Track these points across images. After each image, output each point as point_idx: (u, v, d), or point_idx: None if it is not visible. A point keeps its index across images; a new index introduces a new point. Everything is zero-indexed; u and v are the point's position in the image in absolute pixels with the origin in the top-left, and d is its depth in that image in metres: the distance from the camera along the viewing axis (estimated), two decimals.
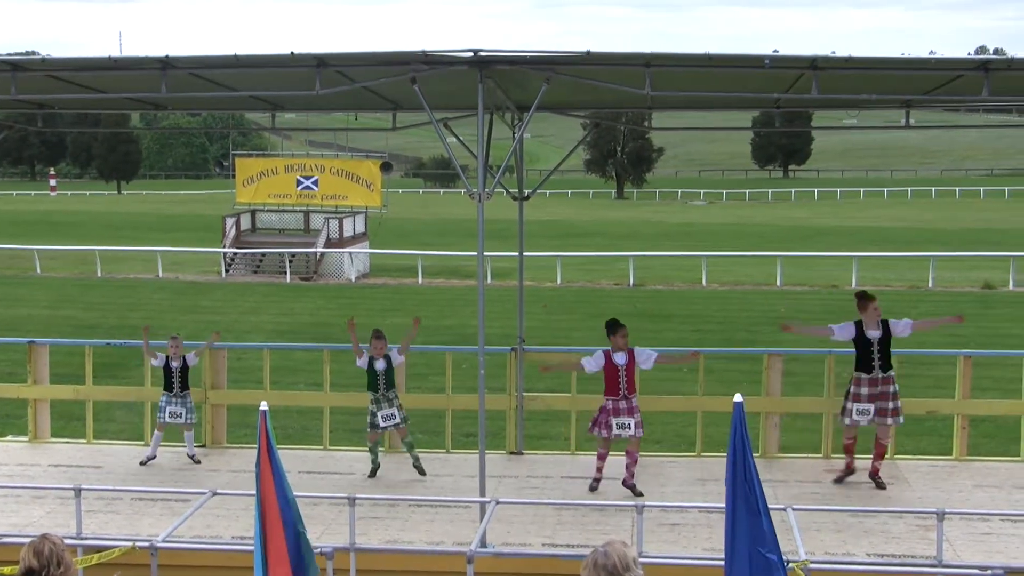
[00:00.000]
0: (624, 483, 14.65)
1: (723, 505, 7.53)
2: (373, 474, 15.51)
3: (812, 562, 10.72)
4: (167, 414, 16.12)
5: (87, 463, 16.12)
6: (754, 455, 7.56)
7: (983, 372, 18.57)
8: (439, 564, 12.33)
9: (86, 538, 12.15)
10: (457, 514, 13.69)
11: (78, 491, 12.29)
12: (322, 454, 16.65)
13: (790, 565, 9.27)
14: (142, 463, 16.00)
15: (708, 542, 12.66)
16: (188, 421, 16.22)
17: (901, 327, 14.81)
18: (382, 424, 15.44)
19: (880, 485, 14.77)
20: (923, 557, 12.07)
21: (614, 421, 14.52)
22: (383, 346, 15.54)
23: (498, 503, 12.44)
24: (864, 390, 14.65)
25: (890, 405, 14.65)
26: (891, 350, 14.80)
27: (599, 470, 14.76)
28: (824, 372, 16.17)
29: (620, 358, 14.63)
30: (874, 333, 14.69)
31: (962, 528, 13.01)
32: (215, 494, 12.48)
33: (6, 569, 9.93)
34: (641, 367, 14.79)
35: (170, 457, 16.67)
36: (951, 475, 15.48)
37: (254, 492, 8.59)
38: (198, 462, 16.13)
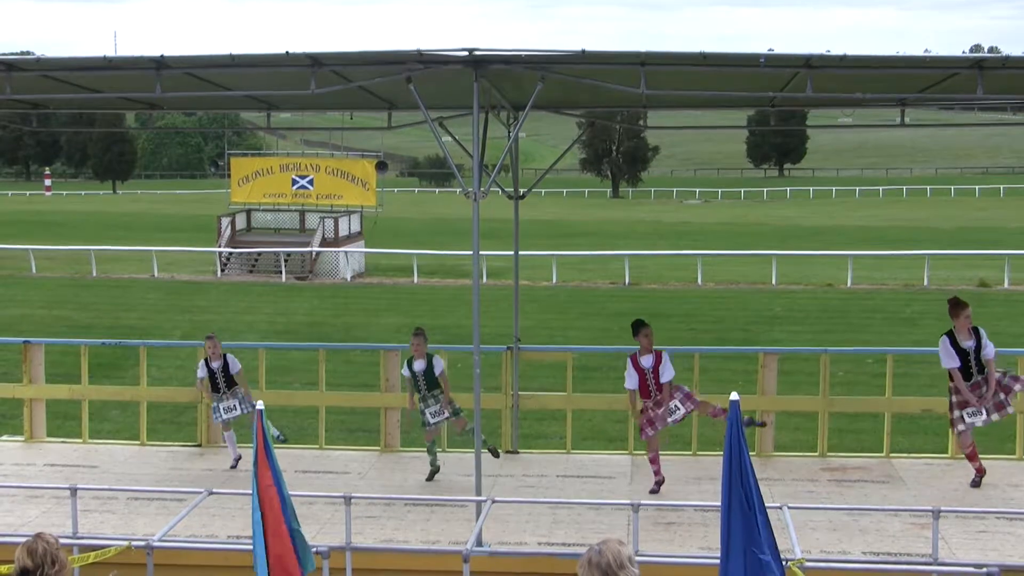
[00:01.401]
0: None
1: (719, 504, 7.54)
2: (431, 477, 15.36)
3: (808, 560, 10.73)
4: (221, 411, 15.84)
5: (82, 463, 16.11)
6: (750, 454, 7.57)
7: None
8: (435, 563, 12.33)
9: (82, 537, 12.14)
10: (453, 513, 13.69)
11: (74, 490, 12.28)
12: (318, 453, 16.65)
13: (787, 563, 9.28)
14: (232, 467, 15.83)
15: (704, 541, 12.66)
16: (245, 411, 15.72)
17: (987, 350, 14.55)
18: (432, 421, 15.30)
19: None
20: (919, 555, 12.08)
21: (658, 414, 14.45)
22: (422, 344, 15.35)
23: (494, 502, 12.44)
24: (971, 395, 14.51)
25: (1001, 397, 14.50)
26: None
27: (656, 472, 14.66)
28: (819, 371, 16.19)
29: (646, 361, 14.54)
30: (968, 344, 14.52)
31: (958, 526, 13.02)
32: (211, 493, 12.47)
33: (2, 568, 9.93)
34: (662, 378, 14.61)
35: (165, 456, 16.68)
36: (946, 473, 15.49)
37: (250, 491, 8.60)
38: (236, 463, 15.87)
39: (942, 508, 11.59)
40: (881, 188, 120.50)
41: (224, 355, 15.94)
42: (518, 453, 16.71)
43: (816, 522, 13.21)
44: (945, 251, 50.69)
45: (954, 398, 14.61)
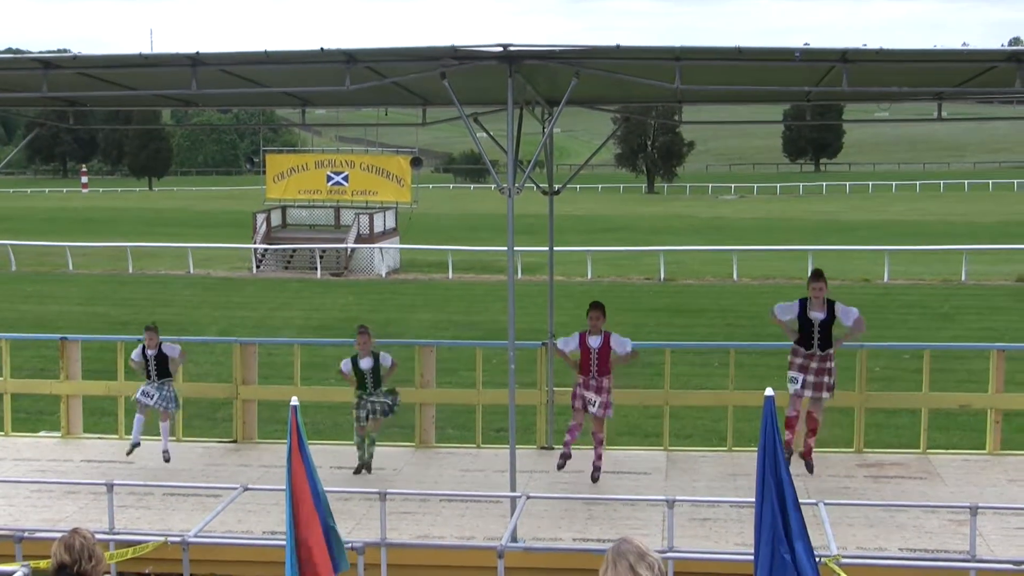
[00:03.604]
0: (593, 467, 14.85)
1: (753, 500, 7.50)
2: (357, 471, 15.50)
3: (844, 557, 10.67)
4: (140, 392, 15.86)
5: (119, 458, 16.19)
6: (784, 452, 7.53)
7: (1017, 366, 18.44)
8: (470, 559, 12.34)
9: (118, 533, 12.20)
10: (487, 509, 13.70)
11: (110, 486, 12.35)
12: (353, 449, 16.66)
13: (822, 560, 9.22)
14: (128, 452, 15.88)
15: (739, 537, 12.63)
16: (161, 406, 15.84)
17: (848, 316, 14.61)
18: (361, 414, 15.46)
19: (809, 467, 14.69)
20: (956, 552, 12.00)
21: (584, 395, 14.62)
22: (367, 342, 15.49)
23: (528, 498, 12.43)
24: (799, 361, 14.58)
25: (826, 380, 14.52)
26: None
27: (567, 444, 14.76)
28: (855, 366, 16.10)
29: (594, 341, 14.70)
30: (816, 314, 14.51)
31: (995, 523, 12.94)
32: (246, 489, 12.52)
33: (40, 563, 9.98)
34: (616, 351, 14.69)
35: (201, 452, 16.76)
36: (984, 470, 15.40)
37: (285, 487, 8.61)
38: (167, 460, 15.82)
39: (980, 504, 11.50)
40: (918, 182, 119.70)
41: (160, 344, 15.94)
42: (553, 449, 16.69)
43: (852, 518, 13.15)
44: (983, 246, 50.27)
45: (790, 357, 14.70)
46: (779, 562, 7.24)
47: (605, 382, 14.67)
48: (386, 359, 15.52)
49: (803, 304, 14.58)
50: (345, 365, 15.61)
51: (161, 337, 16.02)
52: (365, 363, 15.43)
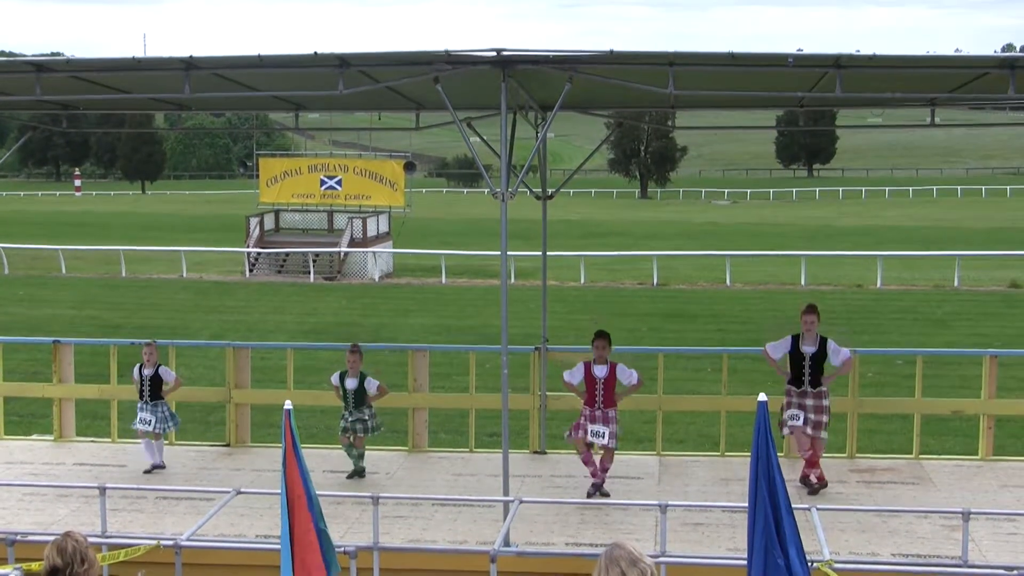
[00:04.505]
0: (593, 482, 14.67)
1: (746, 505, 7.51)
2: (351, 475, 15.53)
3: (837, 562, 10.68)
4: (137, 420, 15.85)
5: (111, 462, 16.18)
6: (778, 455, 7.54)
7: (1009, 372, 18.51)
8: (462, 563, 12.33)
9: (111, 536, 12.20)
10: (480, 513, 13.70)
11: (103, 490, 12.34)
12: (345, 454, 16.66)
13: (814, 565, 9.24)
14: (146, 472, 15.81)
15: (731, 542, 12.63)
16: (156, 430, 15.85)
17: (837, 355, 14.74)
18: (344, 425, 15.55)
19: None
20: (949, 557, 12.01)
21: (589, 427, 14.43)
22: (357, 363, 15.54)
23: (521, 502, 12.44)
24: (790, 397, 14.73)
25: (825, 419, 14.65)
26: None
27: (593, 474, 14.63)
28: (848, 372, 16.10)
29: (600, 371, 14.49)
30: (808, 349, 14.64)
31: (988, 528, 12.95)
32: (239, 493, 12.51)
33: (32, 566, 9.98)
34: (623, 383, 14.59)
35: (194, 456, 16.74)
36: (977, 475, 15.41)
37: (279, 491, 8.61)
38: (152, 469, 15.84)
39: (972, 510, 11.54)
40: (911, 188, 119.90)
41: (158, 365, 15.95)
42: (546, 453, 16.71)
43: (845, 523, 13.16)
44: (976, 252, 50.37)
45: (784, 399, 14.76)
46: (773, 567, 7.25)
47: (611, 413, 14.47)
48: (371, 385, 15.50)
49: (795, 340, 14.71)
50: (334, 379, 15.72)
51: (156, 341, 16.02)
52: (350, 383, 15.54)
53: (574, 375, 14.64)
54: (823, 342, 14.63)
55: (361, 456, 15.63)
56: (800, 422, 14.51)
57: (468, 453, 16.77)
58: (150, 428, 15.80)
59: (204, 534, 12.19)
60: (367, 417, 15.51)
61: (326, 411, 19.80)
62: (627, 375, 14.51)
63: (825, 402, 14.60)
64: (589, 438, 14.46)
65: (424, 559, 12.47)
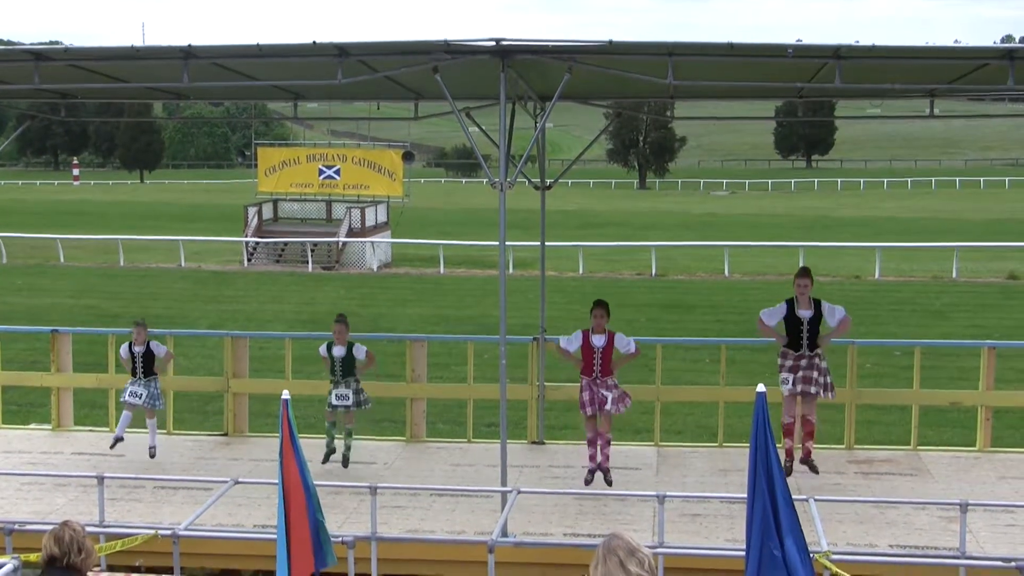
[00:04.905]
0: (599, 467, 14.52)
1: (744, 496, 7.51)
2: (325, 459, 15.41)
3: (835, 553, 10.69)
4: (127, 394, 15.81)
5: (109, 451, 16.15)
6: (777, 446, 7.53)
7: (1007, 363, 18.52)
8: (460, 553, 12.34)
9: (109, 526, 12.20)
10: (478, 504, 13.70)
11: (101, 479, 12.35)
12: (326, 433, 16.64)
13: (813, 556, 9.24)
14: (111, 446, 15.79)
15: (729, 533, 12.64)
16: (148, 405, 15.81)
17: (833, 315, 14.65)
18: (334, 402, 15.44)
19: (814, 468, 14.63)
20: (946, 549, 12.02)
21: (596, 395, 14.34)
22: (343, 332, 15.48)
23: (519, 492, 12.45)
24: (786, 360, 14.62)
25: (815, 376, 14.50)
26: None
27: (592, 459, 14.52)
28: (847, 363, 16.11)
29: (598, 340, 14.38)
30: (804, 313, 14.55)
31: (986, 520, 12.96)
32: (237, 482, 12.51)
33: (30, 556, 9.97)
34: (621, 351, 14.47)
35: (191, 445, 16.74)
36: (974, 467, 15.42)
37: (276, 480, 8.61)
38: (153, 456, 15.79)
39: (970, 502, 11.54)
40: (910, 179, 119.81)
41: (148, 342, 15.92)
42: (544, 444, 16.71)
43: (843, 514, 13.17)
44: (974, 243, 50.34)
45: (779, 361, 14.69)
46: (768, 559, 7.24)
47: (610, 381, 14.38)
48: (360, 351, 15.45)
49: (790, 304, 14.62)
50: (322, 350, 15.66)
51: (150, 330, 16.01)
52: (337, 351, 15.44)
53: (571, 342, 14.50)
54: (817, 304, 14.57)
55: (350, 435, 15.55)
56: (790, 384, 14.44)
57: (466, 443, 16.78)
58: (139, 401, 15.76)
59: (202, 524, 12.19)
60: (355, 391, 15.46)
61: (324, 401, 19.79)
62: (625, 343, 14.42)
63: (820, 363, 14.48)
64: (606, 409, 14.28)
65: (422, 549, 12.49)
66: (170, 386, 17.11)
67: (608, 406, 14.30)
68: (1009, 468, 15.33)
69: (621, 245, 52.19)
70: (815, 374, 14.40)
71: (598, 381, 14.33)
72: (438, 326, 31.55)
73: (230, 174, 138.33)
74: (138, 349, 15.85)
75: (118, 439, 15.84)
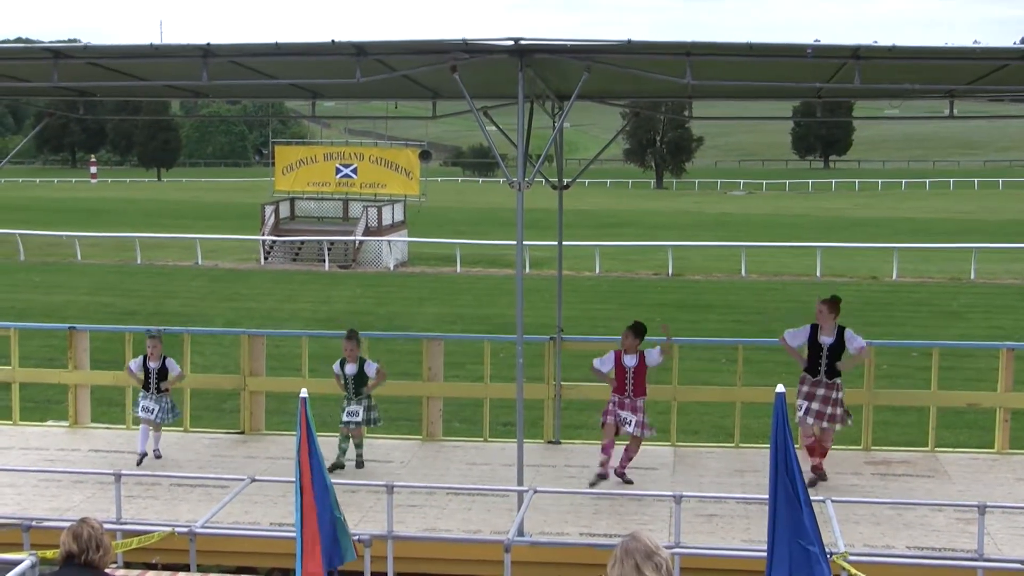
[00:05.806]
0: (616, 471, 14.61)
1: (761, 496, 7.51)
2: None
3: (852, 554, 10.66)
4: (139, 408, 15.84)
5: (126, 448, 16.20)
6: (795, 447, 7.52)
7: None
8: (476, 552, 12.34)
9: (125, 523, 12.23)
10: (494, 503, 13.69)
11: (118, 476, 12.37)
12: (338, 444, 16.66)
13: (831, 557, 9.22)
14: (137, 463, 15.59)
15: (746, 533, 12.62)
16: (159, 420, 15.83)
17: (852, 343, 14.66)
18: (345, 419, 15.53)
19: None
20: (964, 551, 11.98)
21: (619, 413, 14.56)
22: (354, 349, 15.55)
23: (535, 492, 12.44)
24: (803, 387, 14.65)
25: (829, 410, 14.54)
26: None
27: (603, 464, 14.55)
28: (863, 363, 16.06)
29: (630, 360, 14.67)
30: (825, 339, 14.56)
31: (1003, 522, 12.92)
32: (253, 480, 12.54)
33: (48, 552, 10.00)
34: (650, 365, 14.72)
35: (208, 443, 16.78)
36: (992, 468, 15.37)
37: (293, 479, 8.61)
38: (158, 457, 15.81)
39: (988, 503, 11.49)
40: (928, 180, 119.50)
41: (164, 358, 15.93)
42: (560, 443, 16.70)
43: (859, 516, 13.14)
44: (992, 244, 50.14)
45: (798, 386, 14.69)
46: (799, 555, 7.24)
47: (640, 402, 14.62)
48: (370, 368, 15.52)
49: (813, 329, 14.62)
50: (335, 367, 15.77)
51: (166, 328, 16.01)
52: (350, 368, 15.56)
53: (604, 363, 14.81)
54: (840, 331, 14.57)
55: (360, 445, 15.61)
56: (802, 412, 14.46)
57: (482, 442, 16.77)
58: (152, 416, 15.80)
59: (218, 521, 12.21)
60: (366, 408, 15.54)
61: (340, 400, 19.84)
62: (652, 358, 14.76)
63: (837, 393, 14.52)
64: (623, 428, 14.58)
65: (438, 548, 12.49)
66: (187, 383, 17.13)
67: (630, 428, 14.52)
68: None
69: (638, 245, 52.15)
70: (828, 408, 14.43)
71: (627, 401, 14.57)
72: (454, 325, 31.56)
73: (247, 172, 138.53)
74: (153, 365, 15.86)
75: (143, 455, 15.82)
